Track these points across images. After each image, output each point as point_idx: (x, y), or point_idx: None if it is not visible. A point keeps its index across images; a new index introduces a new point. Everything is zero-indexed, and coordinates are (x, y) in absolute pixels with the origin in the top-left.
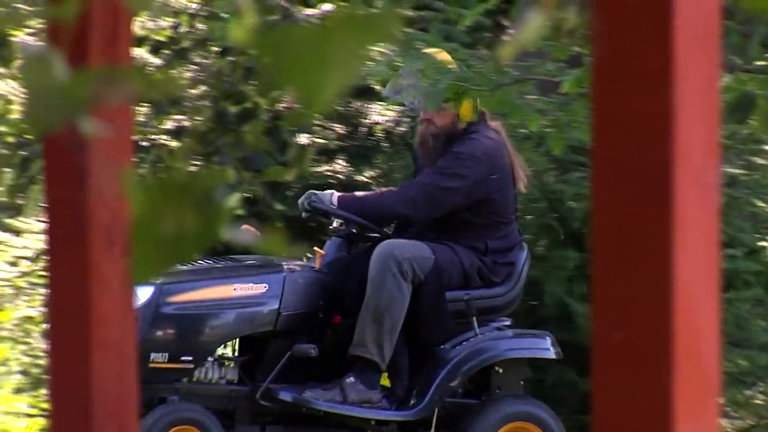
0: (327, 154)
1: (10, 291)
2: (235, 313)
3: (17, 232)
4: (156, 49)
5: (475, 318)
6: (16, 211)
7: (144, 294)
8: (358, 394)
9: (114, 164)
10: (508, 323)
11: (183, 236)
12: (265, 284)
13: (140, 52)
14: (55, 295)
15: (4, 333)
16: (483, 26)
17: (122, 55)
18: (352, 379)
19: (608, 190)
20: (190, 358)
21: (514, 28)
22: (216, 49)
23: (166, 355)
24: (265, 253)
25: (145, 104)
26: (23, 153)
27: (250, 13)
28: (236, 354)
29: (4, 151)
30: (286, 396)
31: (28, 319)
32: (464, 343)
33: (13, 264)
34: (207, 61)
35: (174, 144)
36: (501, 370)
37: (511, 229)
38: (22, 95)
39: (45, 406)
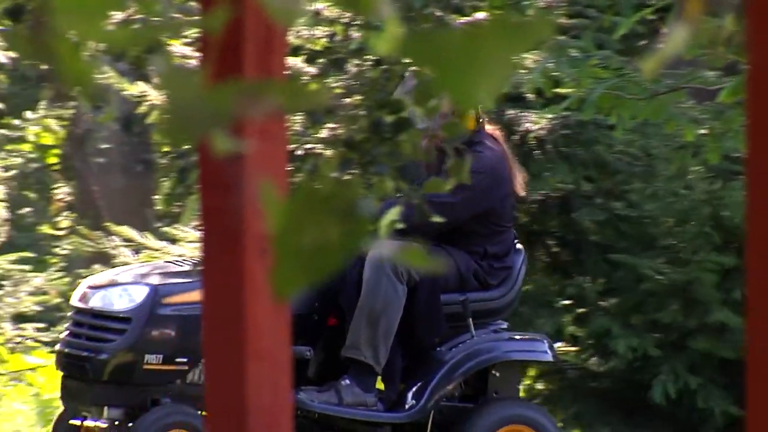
0: None
1: None
2: None
3: (174, 241)
4: (312, 58)
5: (471, 320)
6: (173, 219)
7: (139, 295)
8: (354, 397)
9: (268, 174)
10: (504, 326)
11: (325, 248)
12: None
13: (296, 62)
14: (209, 303)
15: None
16: (637, 34)
17: (276, 66)
18: (347, 381)
19: (763, 198)
20: (185, 360)
21: (661, 41)
22: (371, 58)
23: (161, 356)
24: (405, 264)
25: (301, 113)
26: (181, 163)
27: (394, 23)
28: None
29: (163, 161)
30: None
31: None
32: (460, 345)
33: None
34: (361, 70)
35: (328, 153)
36: (498, 374)
37: (509, 234)
38: (163, 106)
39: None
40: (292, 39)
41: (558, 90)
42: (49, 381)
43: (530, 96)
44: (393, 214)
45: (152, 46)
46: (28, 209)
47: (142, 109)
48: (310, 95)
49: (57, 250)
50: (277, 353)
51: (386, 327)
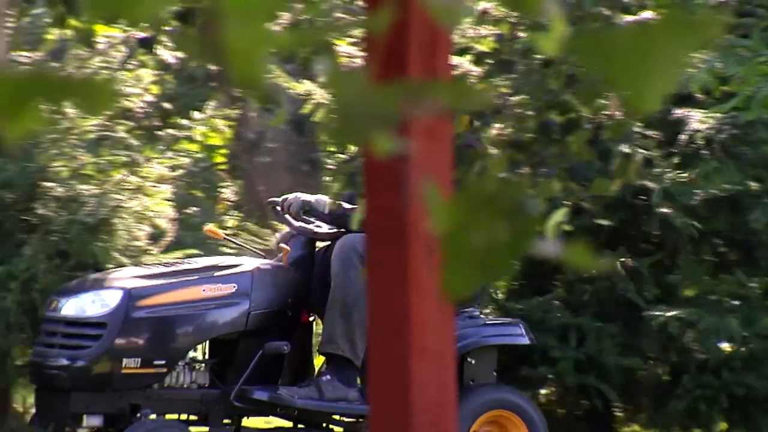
0: (646, 164)
1: None
2: (206, 315)
3: None
4: (479, 58)
5: None
6: None
7: (112, 300)
8: (335, 391)
9: (433, 174)
10: (477, 313)
11: (493, 248)
12: (234, 284)
13: (462, 62)
14: (375, 301)
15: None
16: None
17: (441, 66)
18: (327, 376)
19: None
20: (163, 362)
21: None
22: (539, 57)
23: (139, 360)
24: (569, 264)
25: (468, 114)
26: (350, 167)
27: (560, 23)
28: (206, 356)
29: (330, 163)
30: (261, 395)
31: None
32: None
33: None
34: (529, 71)
35: (496, 154)
36: (473, 360)
37: None
38: (328, 107)
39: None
40: (458, 39)
41: (725, 88)
42: None
43: (698, 95)
44: (561, 213)
45: (319, 47)
46: (195, 208)
47: (307, 108)
48: (475, 95)
49: (223, 248)
50: (441, 350)
51: (360, 319)
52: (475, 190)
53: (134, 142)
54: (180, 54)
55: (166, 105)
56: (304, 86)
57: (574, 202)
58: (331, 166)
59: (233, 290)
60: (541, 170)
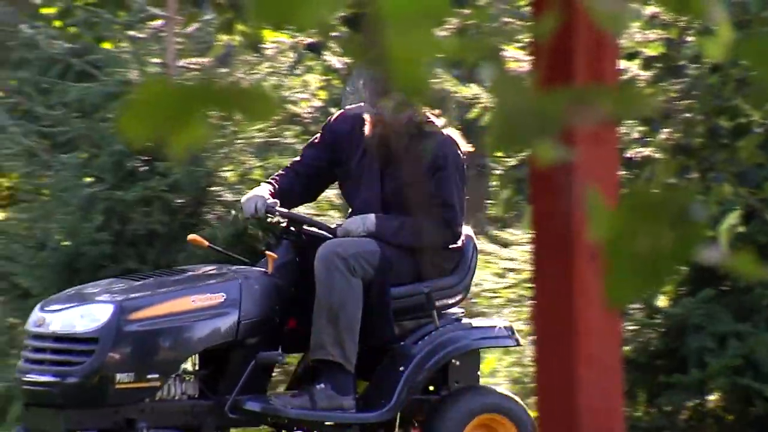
0: None
1: (497, 302)
2: (197, 326)
3: (505, 244)
4: (647, 63)
5: (435, 312)
6: (506, 223)
7: (103, 314)
8: (329, 400)
9: (598, 180)
10: (462, 314)
11: (659, 256)
12: (222, 293)
13: (630, 66)
14: (540, 306)
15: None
16: None
17: (607, 71)
18: (321, 385)
19: None
20: (157, 376)
21: None
22: (708, 63)
23: (132, 374)
24: (738, 273)
25: (637, 120)
26: (518, 174)
27: (726, 27)
28: (197, 368)
29: (498, 169)
30: (254, 406)
31: (517, 331)
32: (426, 337)
33: (501, 275)
34: (698, 75)
35: (665, 160)
36: (458, 363)
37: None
38: (494, 112)
39: (533, 415)
40: (625, 43)
41: None
42: None
43: None
44: (733, 217)
45: (486, 53)
46: None
47: (474, 112)
48: (643, 101)
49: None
50: (607, 357)
51: (347, 323)
52: (639, 197)
53: (302, 147)
54: (347, 59)
55: (333, 110)
56: (471, 90)
57: (747, 205)
58: (498, 172)
59: (222, 300)
60: (711, 175)
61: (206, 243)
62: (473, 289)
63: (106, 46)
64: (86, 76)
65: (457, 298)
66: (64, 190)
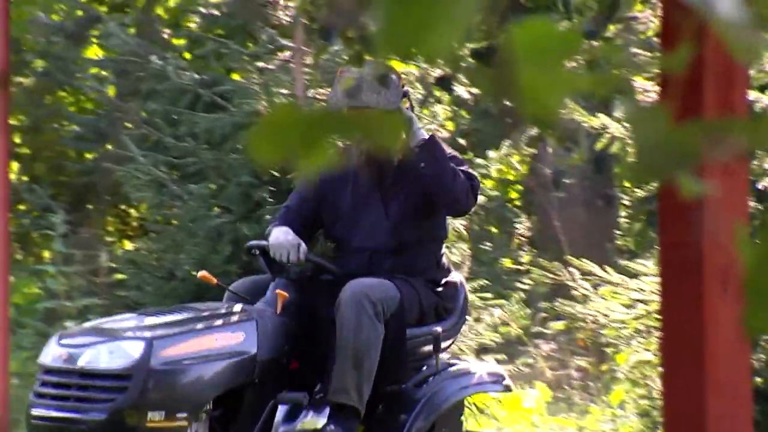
0: None
1: (626, 333)
2: (221, 365)
3: (633, 275)
4: None
5: (439, 355)
6: (634, 253)
7: (134, 350)
8: None
9: (729, 209)
10: (457, 357)
11: None
12: (241, 332)
13: (762, 97)
14: (669, 337)
15: (620, 376)
16: None
17: (737, 102)
18: (332, 427)
19: None
20: (185, 415)
21: None
22: None
23: (163, 413)
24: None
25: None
26: (649, 207)
27: None
28: (209, 407)
29: (628, 201)
30: None
31: (645, 362)
32: (429, 381)
33: (629, 306)
34: None
35: None
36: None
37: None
38: (628, 144)
39: None
40: (756, 74)
41: None
42: (511, 412)
43: None
44: None
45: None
46: (489, 244)
47: (602, 143)
48: None
49: (518, 284)
50: (737, 387)
51: (370, 368)
52: None
53: None
54: (475, 90)
55: (461, 141)
56: (599, 120)
57: None
58: (626, 202)
59: (242, 339)
60: None
61: (215, 280)
62: (601, 319)
63: (235, 77)
64: (215, 107)
65: (449, 342)
66: (193, 221)
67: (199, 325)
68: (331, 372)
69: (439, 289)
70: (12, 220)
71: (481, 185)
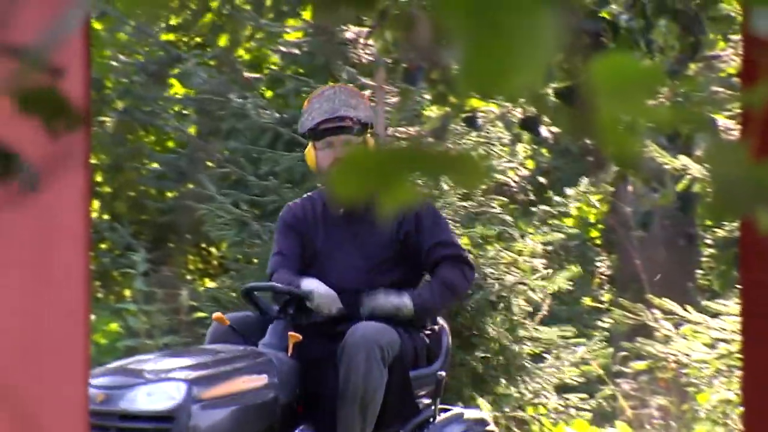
0: None
1: (708, 372)
2: (251, 408)
3: (715, 314)
4: None
5: (439, 400)
6: (715, 293)
7: (176, 392)
8: None
9: None
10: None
11: None
12: (264, 375)
13: None
14: (750, 375)
15: (702, 415)
16: None
17: None
18: None
19: None
20: None
21: None
22: None
23: None
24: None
25: None
26: (729, 244)
27: None
28: None
29: (710, 241)
30: None
31: (727, 401)
32: (426, 428)
33: (711, 346)
34: None
35: None
36: None
37: None
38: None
39: None
40: None
41: None
42: None
43: None
44: None
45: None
46: (570, 283)
47: (682, 184)
48: None
49: (598, 322)
50: None
51: (374, 412)
52: None
53: (508, 217)
54: (555, 129)
55: (541, 179)
56: (680, 161)
57: None
58: (708, 241)
59: (265, 382)
60: None
61: (227, 321)
62: (682, 359)
63: None
64: (295, 146)
65: (433, 386)
66: None
67: (227, 367)
68: (337, 415)
69: (428, 332)
70: (93, 258)
71: (473, 265)
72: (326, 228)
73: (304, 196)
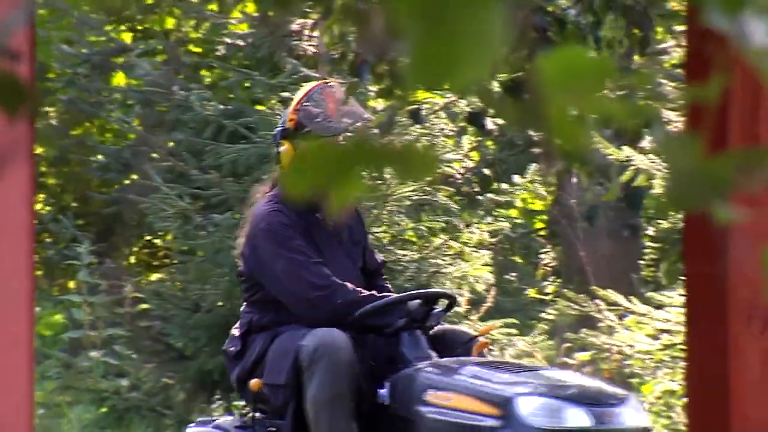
0: None
1: (651, 364)
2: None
3: (659, 306)
4: None
5: None
6: (659, 285)
7: (642, 407)
8: None
9: (755, 241)
10: None
11: None
12: None
13: None
14: (693, 367)
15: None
16: None
17: (763, 132)
18: None
19: None
20: None
21: None
22: None
23: None
24: None
25: None
26: (673, 236)
27: None
28: None
29: (653, 233)
30: None
31: (671, 392)
32: None
33: (655, 337)
34: None
35: None
36: None
37: None
38: (665, 175)
39: None
40: None
41: None
42: None
43: None
44: None
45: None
46: (513, 274)
47: (626, 176)
48: None
49: (542, 314)
50: (763, 419)
51: None
52: None
53: (454, 207)
54: (500, 121)
55: (486, 171)
56: (624, 152)
57: None
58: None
59: None
60: None
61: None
62: (626, 350)
63: (260, 107)
64: (239, 138)
65: None
66: (218, 252)
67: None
68: None
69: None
70: (38, 250)
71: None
72: (311, 234)
73: (263, 207)
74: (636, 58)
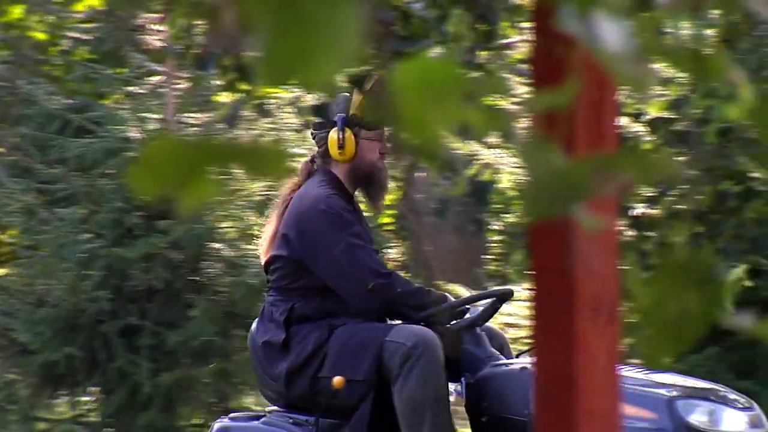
0: None
1: None
2: None
3: None
4: (653, 125)
5: None
6: (504, 278)
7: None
8: None
9: (600, 236)
10: None
11: (687, 318)
12: None
13: (633, 125)
14: (540, 362)
15: None
16: None
17: (607, 132)
18: None
19: None
20: None
21: None
22: (715, 127)
23: None
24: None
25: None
26: (518, 231)
27: (747, 90)
28: None
29: (499, 225)
30: None
31: None
32: None
33: (501, 329)
34: (703, 139)
35: (677, 223)
36: None
37: None
38: (523, 179)
39: None
40: (626, 101)
41: None
42: None
43: None
44: (739, 272)
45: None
46: None
47: (474, 169)
48: (663, 168)
49: None
50: (608, 413)
51: None
52: (671, 263)
53: None
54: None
55: None
56: (471, 147)
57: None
58: (496, 227)
59: None
60: (718, 242)
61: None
62: None
63: (106, 102)
64: (85, 132)
65: None
66: (63, 246)
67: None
68: None
69: None
70: None
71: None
72: (360, 223)
73: (318, 190)
74: (480, 52)
